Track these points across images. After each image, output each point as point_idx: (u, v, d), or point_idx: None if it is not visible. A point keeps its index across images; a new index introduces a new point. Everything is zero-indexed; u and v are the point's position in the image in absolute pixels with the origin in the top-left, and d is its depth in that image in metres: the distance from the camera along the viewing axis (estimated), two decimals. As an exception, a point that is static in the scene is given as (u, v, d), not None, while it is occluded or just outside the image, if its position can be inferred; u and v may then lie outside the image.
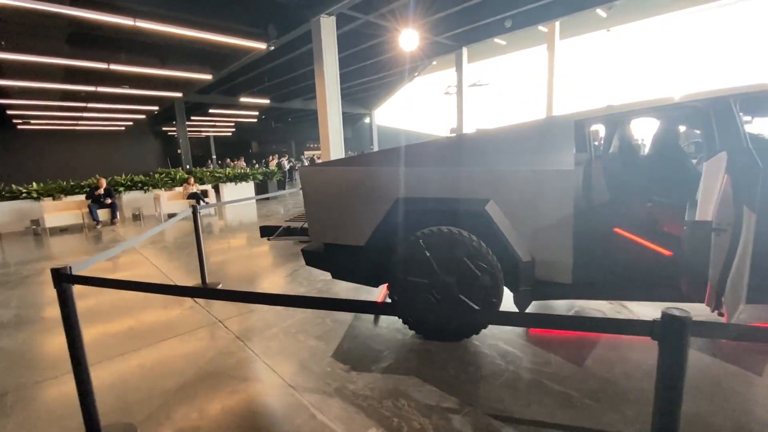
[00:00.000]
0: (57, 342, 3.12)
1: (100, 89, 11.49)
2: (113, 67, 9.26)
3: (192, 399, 2.27)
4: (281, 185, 14.87)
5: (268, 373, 2.50)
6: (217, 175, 12.00)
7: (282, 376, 2.46)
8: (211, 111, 18.42)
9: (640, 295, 2.62)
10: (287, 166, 17.87)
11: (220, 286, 4.23)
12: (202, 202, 10.41)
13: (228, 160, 24.35)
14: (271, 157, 17.98)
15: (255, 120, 25.57)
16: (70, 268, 1.71)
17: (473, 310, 2.64)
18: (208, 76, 11.18)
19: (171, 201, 10.20)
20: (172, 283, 4.50)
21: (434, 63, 15.07)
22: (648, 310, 3.15)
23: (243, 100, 15.80)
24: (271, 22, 9.08)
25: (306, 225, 3.03)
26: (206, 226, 8.62)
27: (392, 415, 2.04)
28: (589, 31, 19.93)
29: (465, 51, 12.73)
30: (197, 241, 4.16)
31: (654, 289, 2.54)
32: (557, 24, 17.38)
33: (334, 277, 3.18)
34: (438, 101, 31.48)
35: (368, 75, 15.96)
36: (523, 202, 2.57)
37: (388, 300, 3.44)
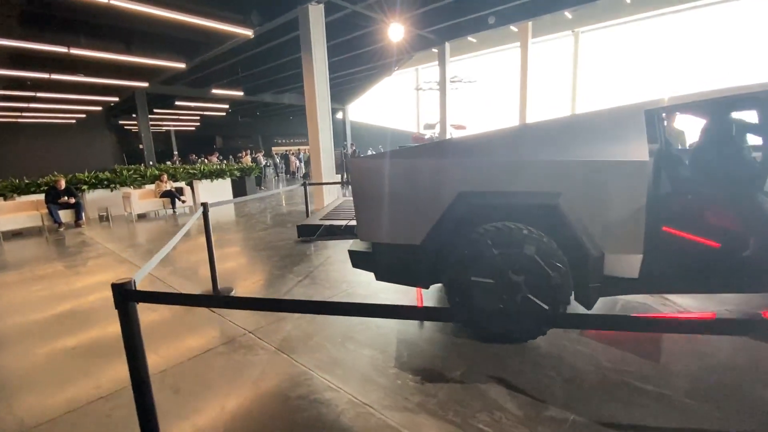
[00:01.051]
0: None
1: (55, 76, 10.34)
2: (75, 51, 8.31)
3: (261, 427, 1.96)
4: (258, 182, 14.21)
5: (334, 391, 2.23)
6: (191, 171, 11.21)
7: (351, 393, 2.19)
8: (177, 103, 17.24)
9: (703, 287, 2.60)
10: (264, 162, 17.08)
11: (233, 293, 3.84)
12: (178, 201, 9.68)
13: (193, 156, 22.98)
14: (243, 153, 17.08)
15: (224, 114, 24.33)
16: (134, 282, 1.37)
17: (545, 310, 2.51)
18: (181, 65, 10.38)
19: (143, 200, 9.38)
20: (178, 291, 4.05)
21: (413, 56, 14.91)
22: (691, 302, 3.16)
23: (216, 92, 14.88)
24: (256, 8, 8.52)
25: (349, 224, 2.77)
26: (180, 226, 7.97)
27: (495, 431, 1.86)
28: (557, 32, 20.66)
29: (448, 46, 12.68)
30: (208, 244, 3.75)
31: (720, 282, 2.52)
32: (530, 24, 17.86)
33: (379, 278, 2.92)
34: (409, 98, 31.51)
35: (348, 68, 15.58)
36: (594, 194, 2.46)
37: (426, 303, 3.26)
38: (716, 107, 2.60)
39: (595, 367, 2.35)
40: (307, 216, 5.86)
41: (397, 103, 32.30)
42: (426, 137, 25.47)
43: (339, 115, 26.99)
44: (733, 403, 1.99)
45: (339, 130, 33.87)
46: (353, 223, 2.80)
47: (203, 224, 3.73)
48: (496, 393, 2.13)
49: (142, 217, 9.44)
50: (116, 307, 1.36)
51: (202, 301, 1.44)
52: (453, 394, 2.14)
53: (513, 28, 16.53)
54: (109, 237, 7.15)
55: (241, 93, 15.49)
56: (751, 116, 2.58)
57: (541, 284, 2.48)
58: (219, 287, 3.82)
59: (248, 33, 8.05)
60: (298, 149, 26.21)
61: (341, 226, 2.80)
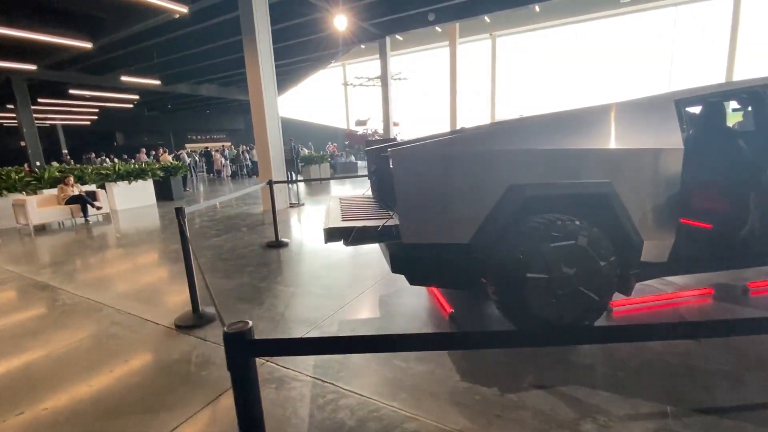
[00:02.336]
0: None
1: None
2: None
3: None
4: (185, 183, 12.66)
5: (414, 420, 1.90)
6: (103, 172, 9.48)
7: (434, 420, 1.90)
8: (71, 92, 14.45)
9: (720, 265, 2.82)
10: (188, 160, 15.25)
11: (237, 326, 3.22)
12: (91, 208, 8.11)
13: (92, 154, 19.67)
14: (161, 150, 15.01)
15: (131, 106, 21.20)
16: (251, 330, 0.93)
17: (595, 301, 2.48)
18: (86, 44, 8.66)
19: (43, 208, 7.66)
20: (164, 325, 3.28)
21: (351, 49, 14.53)
22: (688, 281, 3.43)
23: (127, 80, 12.77)
24: (186, -18, 7.44)
25: (387, 223, 2.44)
26: (100, 237, 6.70)
27: (613, 439, 1.73)
28: (477, 34, 21.92)
29: (388, 40, 12.58)
30: (186, 261, 3.08)
31: (735, 259, 2.74)
32: (457, 25, 18.64)
33: (413, 283, 2.65)
34: (337, 94, 30.97)
35: (280, 58, 14.60)
36: (638, 182, 2.49)
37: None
38: (738, 99, 2.80)
39: (662, 354, 2.36)
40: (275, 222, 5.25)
41: (323, 99, 31.55)
42: (359, 133, 25.29)
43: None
44: (785, 372, 2.14)
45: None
46: (392, 222, 2.47)
47: (180, 236, 3.04)
48: (581, 394, 2.02)
49: (42, 229, 7.71)
50: (230, 367, 0.91)
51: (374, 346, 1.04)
52: (541, 402, 1.97)
53: (438, 28, 17.03)
54: (9, 257, 5.65)
55: (157, 82, 13.58)
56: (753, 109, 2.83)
57: (592, 275, 2.44)
58: (201, 312, 3.17)
59: (182, 9, 6.97)
60: (222, 146, 24.08)
61: (377, 226, 2.45)
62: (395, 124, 23.09)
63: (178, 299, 3.63)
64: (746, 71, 16.80)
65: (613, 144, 2.46)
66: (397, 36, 14.80)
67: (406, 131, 23.09)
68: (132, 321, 3.22)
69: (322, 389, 2.18)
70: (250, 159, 18.98)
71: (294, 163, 10.02)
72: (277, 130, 8.37)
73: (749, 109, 2.96)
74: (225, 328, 0.92)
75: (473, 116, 21.88)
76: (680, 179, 2.52)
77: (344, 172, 16.09)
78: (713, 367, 2.20)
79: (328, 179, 7.81)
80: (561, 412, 1.90)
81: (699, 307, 2.94)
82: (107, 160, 19.13)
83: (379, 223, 2.50)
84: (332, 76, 29.95)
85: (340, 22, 9.91)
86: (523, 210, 2.41)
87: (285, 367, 2.39)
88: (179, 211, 3.00)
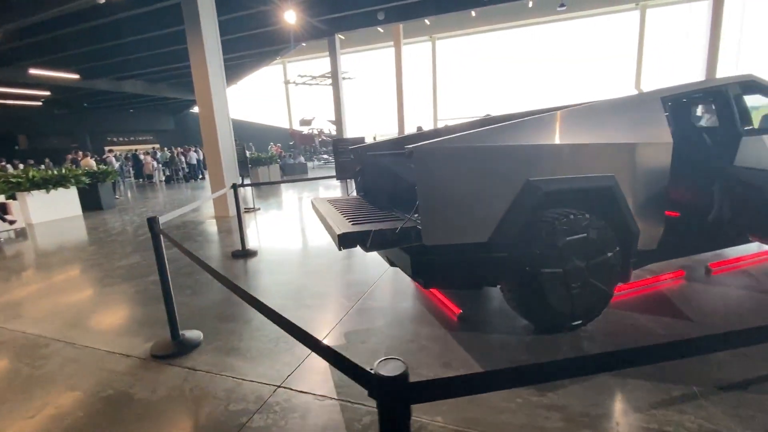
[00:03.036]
0: None
1: None
2: None
3: None
4: (114, 189, 11.30)
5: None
6: (14, 180, 8.07)
7: None
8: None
9: (697, 249, 3.08)
10: (117, 164, 13.59)
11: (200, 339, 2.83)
12: (1, 222, 6.87)
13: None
14: (80, 154, 13.16)
15: (40, 103, 18.40)
16: (407, 373, 0.75)
17: (604, 291, 2.56)
18: (-16, 30, 7.29)
19: (-64, 226, 6.32)
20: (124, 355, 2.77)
21: (303, 45, 14.00)
22: (660, 266, 3.70)
23: (36, 73, 10.99)
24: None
25: (405, 225, 2.28)
26: (18, 257, 5.71)
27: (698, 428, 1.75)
28: (419, 36, 22.41)
29: (338, 38, 12.30)
30: (163, 281, 2.65)
31: (712, 241, 3.01)
32: (401, 26, 18.86)
33: (429, 286, 2.53)
34: (277, 92, 29.85)
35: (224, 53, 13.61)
36: (635, 175, 2.61)
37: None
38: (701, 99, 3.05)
39: (669, 330, 2.50)
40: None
41: (262, 98, 30.23)
42: (304, 133, 24.54)
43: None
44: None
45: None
46: (410, 225, 2.33)
47: (155, 251, 2.61)
48: (633, 388, 2.05)
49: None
50: (380, 422, 0.71)
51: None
52: (599, 403, 1.97)
53: (380, 29, 17.09)
54: None
55: (75, 76, 11.91)
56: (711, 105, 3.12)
57: (601, 266, 2.51)
58: (182, 338, 2.76)
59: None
60: (153, 148, 21.96)
61: (394, 228, 2.29)
62: (333, 123, 22.73)
63: (143, 325, 3.14)
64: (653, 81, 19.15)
65: (614, 139, 2.55)
66: (340, 35, 14.58)
67: (352, 131, 22.84)
68: (93, 356, 2.71)
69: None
70: (186, 162, 17.52)
71: (246, 165, 9.37)
72: (228, 130, 7.76)
73: (713, 107, 3.27)
74: (371, 369, 0.72)
75: (418, 117, 22.35)
76: (669, 171, 2.69)
77: (294, 173, 15.48)
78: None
79: (307, 179, 7.35)
80: (647, 406, 1.90)
81: (678, 287, 3.19)
82: (8, 166, 16.44)
83: (394, 225, 2.34)
84: (272, 74, 28.80)
85: (290, 16, 9.48)
86: (539, 206, 2.41)
87: (348, 401, 2.07)
88: (152, 222, 2.58)
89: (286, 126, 28.79)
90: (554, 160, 2.43)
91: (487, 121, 4.01)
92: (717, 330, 2.53)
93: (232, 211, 7.66)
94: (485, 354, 2.42)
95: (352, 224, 2.46)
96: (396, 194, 3.36)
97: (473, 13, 17.66)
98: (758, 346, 2.29)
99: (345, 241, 2.22)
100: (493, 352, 2.44)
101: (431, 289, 3.32)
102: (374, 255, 3.85)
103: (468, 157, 2.25)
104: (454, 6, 11.08)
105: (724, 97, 2.96)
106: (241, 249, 4.97)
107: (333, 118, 24.71)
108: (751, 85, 3.02)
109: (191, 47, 7.16)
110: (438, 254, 2.34)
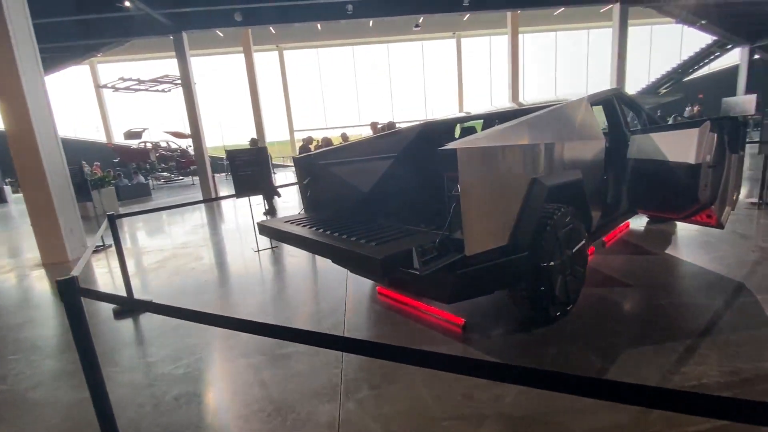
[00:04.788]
0: None
1: None
2: None
3: None
4: None
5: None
6: None
7: None
8: None
9: (615, 226, 3.84)
10: None
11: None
12: None
13: None
14: None
15: None
16: None
17: (582, 274, 2.90)
18: None
19: None
20: None
21: (129, 42, 11.43)
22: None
23: None
24: None
25: (443, 235, 2.05)
26: None
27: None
28: (265, 44, 21.50)
29: (186, 36, 10.59)
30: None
31: (623, 217, 3.79)
32: (249, 30, 17.69)
33: (451, 301, 2.37)
34: (84, 99, 23.87)
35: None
36: (587, 171, 3.02)
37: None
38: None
39: (620, 293, 2.98)
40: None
41: (61, 106, 23.72)
42: (133, 147, 20.24)
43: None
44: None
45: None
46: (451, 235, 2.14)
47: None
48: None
49: None
50: None
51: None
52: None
53: (219, 32, 15.74)
54: None
55: None
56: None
57: (580, 253, 2.84)
58: None
59: None
60: None
61: (433, 241, 2.06)
62: (182, 136, 19.66)
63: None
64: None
65: (581, 137, 2.94)
66: (171, 36, 12.50)
67: (210, 141, 20.12)
68: None
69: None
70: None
71: (87, 188, 7.05)
72: (55, 143, 5.74)
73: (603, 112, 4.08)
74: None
75: (273, 124, 21.39)
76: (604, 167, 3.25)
77: (134, 196, 12.61)
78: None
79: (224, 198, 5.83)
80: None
81: (595, 261, 3.84)
82: None
83: (426, 238, 2.11)
84: (73, 76, 22.83)
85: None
86: (542, 203, 2.52)
87: None
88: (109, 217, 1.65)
89: (103, 140, 23.27)
90: (550, 158, 2.60)
91: (467, 118, 4.14)
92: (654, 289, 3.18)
93: (73, 254, 5.69)
94: (527, 353, 2.43)
95: (378, 245, 2.10)
96: (378, 203, 3.07)
97: (319, 26, 17.95)
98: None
99: (388, 266, 1.87)
100: (536, 349, 2.47)
101: (405, 304, 3.16)
102: (304, 279, 3.46)
103: (499, 156, 2.22)
104: (300, 17, 10.76)
105: (612, 104, 3.73)
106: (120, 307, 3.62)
107: (172, 129, 21.25)
108: (618, 96, 3.91)
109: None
110: (477, 263, 2.21)
